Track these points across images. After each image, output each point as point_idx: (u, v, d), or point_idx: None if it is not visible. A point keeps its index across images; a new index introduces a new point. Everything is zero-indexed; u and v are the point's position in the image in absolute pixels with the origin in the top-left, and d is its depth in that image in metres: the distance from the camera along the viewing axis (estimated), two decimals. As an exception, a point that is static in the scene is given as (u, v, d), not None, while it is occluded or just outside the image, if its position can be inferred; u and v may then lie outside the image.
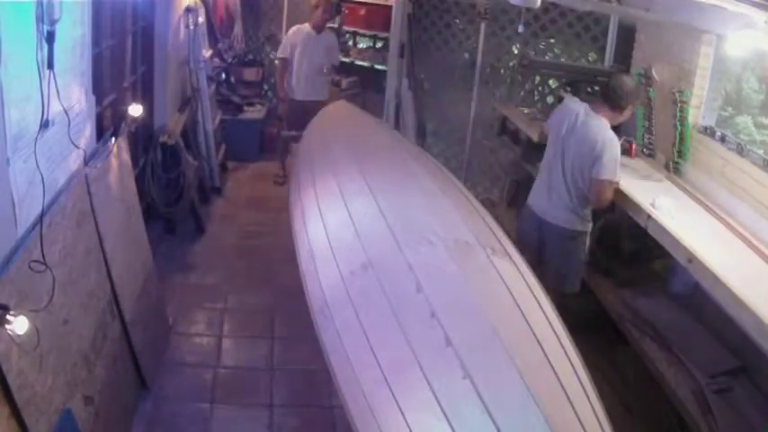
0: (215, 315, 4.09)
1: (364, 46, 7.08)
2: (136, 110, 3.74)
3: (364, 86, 6.80)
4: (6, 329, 1.95)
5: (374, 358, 2.32)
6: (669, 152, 4.02)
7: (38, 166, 2.23)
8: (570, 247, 3.68)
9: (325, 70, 6.04)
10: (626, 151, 3.98)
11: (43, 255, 2.21)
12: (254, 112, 6.83)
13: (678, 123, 3.95)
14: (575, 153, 3.55)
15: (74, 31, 2.70)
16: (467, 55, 6.19)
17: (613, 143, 3.48)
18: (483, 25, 5.92)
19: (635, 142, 4.14)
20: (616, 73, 3.99)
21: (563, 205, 3.61)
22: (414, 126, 6.25)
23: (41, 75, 2.22)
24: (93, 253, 2.88)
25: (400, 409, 2.13)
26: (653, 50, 4.47)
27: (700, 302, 3.51)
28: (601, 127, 3.52)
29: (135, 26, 4.27)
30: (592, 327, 3.71)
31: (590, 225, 3.71)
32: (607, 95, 3.58)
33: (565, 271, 3.69)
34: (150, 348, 3.43)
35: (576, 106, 3.68)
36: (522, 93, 5.92)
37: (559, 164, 3.61)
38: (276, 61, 6.33)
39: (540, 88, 5.90)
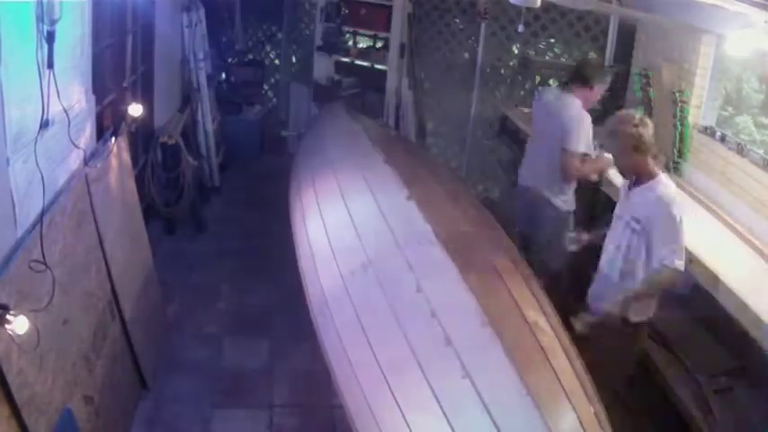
0: (215, 315, 4.09)
1: (364, 46, 7.08)
2: (136, 110, 3.74)
3: (364, 86, 6.79)
4: (6, 329, 1.95)
5: (374, 358, 2.32)
6: (669, 152, 4.02)
7: (38, 165, 2.23)
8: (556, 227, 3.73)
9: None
10: None
11: (43, 255, 2.21)
12: (254, 112, 6.83)
13: (678, 123, 3.95)
14: (549, 132, 3.69)
15: (74, 31, 2.70)
16: (467, 55, 6.19)
17: (581, 117, 3.59)
18: (483, 25, 5.92)
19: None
20: (583, 57, 4.19)
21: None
22: (414, 126, 6.26)
23: (41, 74, 2.22)
24: (93, 253, 2.87)
25: (400, 409, 2.13)
26: (653, 50, 4.48)
27: (700, 302, 3.51)
28: (570, 104, 3.63)
29: (135, 26, 4.27)
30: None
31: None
32: (576, 74, 3.71)
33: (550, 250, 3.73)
34: (150, 348, 3.43)
35: (548, 94, 3.96)
36: (522, 92, 5.92)
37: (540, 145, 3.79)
38: None
39: (540, 88, 5.90)
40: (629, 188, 2.84)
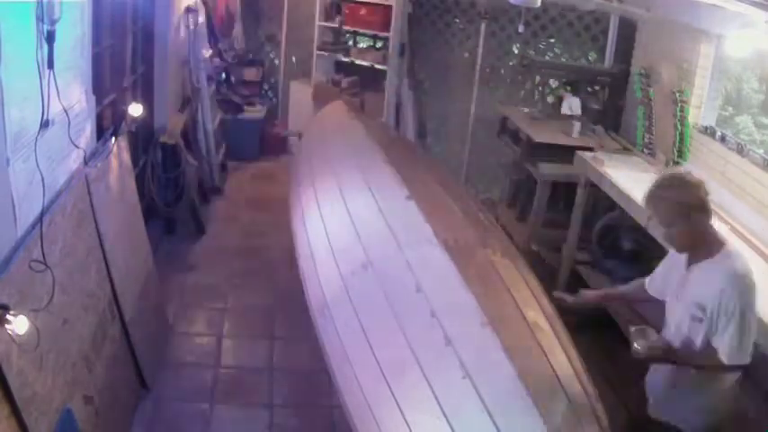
0: (215, 315, 4.09)
1: (364, 46, 7.08)
2: (136, 110, 3.74)
3: (364, 86, 6.80)
4: (6, 329, 1.95)
5: (374, 358, 2.32)
6: (669, 152, 4.02)
7: (38, 165, 2.23)
8: None
9: None
10: None
11: (43, 255, 2.21)
12: (254, 112, 6.84)
13: (678, 123, 3.95)
14: None
15: (74, 31, 2.70)
16: (467, 55, 6.19)
17: None
18: (483, 25, 5.92)
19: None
20: None
21: None
22: (414, 126, 6.26)
23: (41, 74, 2.22)
24: (93, 253, 2.87)
25: (400, 409, 2.13)
26: (653, 50, 4.48)
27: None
28: None
29: (135, 26, 4.27)
30: (592, 326, 3.70)
31: None
32: None
33: None
34: (150, 348, 3.42)
35: None
36: (522, 92, 5.93)
37: None
38: None
39: (540, 88, 5.90)
40: (687, 264, 2.25)
